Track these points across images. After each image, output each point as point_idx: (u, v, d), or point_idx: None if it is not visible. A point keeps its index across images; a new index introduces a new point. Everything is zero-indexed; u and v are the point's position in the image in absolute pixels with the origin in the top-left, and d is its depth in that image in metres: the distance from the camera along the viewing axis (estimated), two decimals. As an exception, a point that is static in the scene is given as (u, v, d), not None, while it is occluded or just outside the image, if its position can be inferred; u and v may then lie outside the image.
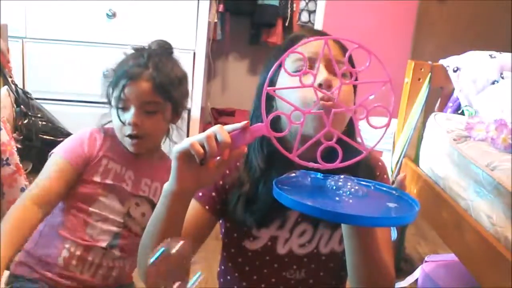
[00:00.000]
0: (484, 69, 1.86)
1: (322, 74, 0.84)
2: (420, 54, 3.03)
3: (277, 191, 0.76)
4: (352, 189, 0.80)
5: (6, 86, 1.73)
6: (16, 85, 1.80)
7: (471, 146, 1.51)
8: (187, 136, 2.70)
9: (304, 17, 3.20)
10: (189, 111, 2.66)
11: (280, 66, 0.81)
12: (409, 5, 3.04)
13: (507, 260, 1.19)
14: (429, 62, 1.93)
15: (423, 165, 1.79)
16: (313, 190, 0.82)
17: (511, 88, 1.72)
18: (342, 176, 0.82)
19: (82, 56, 2.58)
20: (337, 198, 0.78)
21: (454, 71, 1.91)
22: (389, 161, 1.95)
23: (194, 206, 0.95)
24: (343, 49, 0.92)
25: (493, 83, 1.83)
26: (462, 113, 1.87)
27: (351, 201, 0.78)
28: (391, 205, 0.79)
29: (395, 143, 1.97)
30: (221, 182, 0.97)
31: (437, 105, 2.04)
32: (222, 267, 1.10)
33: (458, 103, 1.92)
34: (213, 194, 0.97)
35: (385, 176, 1.03)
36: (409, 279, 1.95)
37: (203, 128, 3.12)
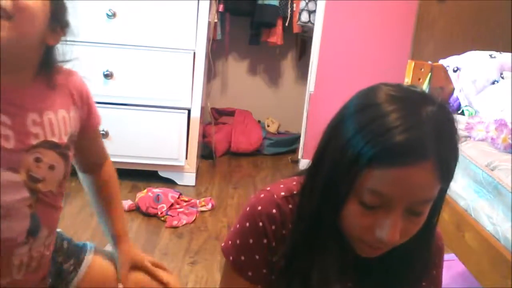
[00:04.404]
0: (484, 69, 1.86)
1: (385, 229, 0.74)
2: (420, 54, 3.03)
3: None
4: None
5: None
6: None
7: (471, 146, 1.51)
8: (187, 136, 2.70)
9: (304, 17, 3.20)
10: (189, 111, 2.65)
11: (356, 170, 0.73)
12: (409, 5, 3.04)
13: (507, 260, 1.19)
14: (429, 62, 1.93)
15: (423, 165, 1.78)
16: None
17: (511, 88, 1.72)
18: None
19: (82, 56, 2.57)
20: None
21: (454, 71, 1.91)
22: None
23: None
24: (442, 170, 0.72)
25: (493, 83, 1.83)
26: (462, 113, 1.87)
27: None
28: None
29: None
30: (269, 258, 0.90)
31: (437, 105, 2.04)
32: None
33: (458, 103, 1.92)
34: (264, 271, 0.91)
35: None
36: (409, 279, 1.95)
37: (203, 128, 3.12)
